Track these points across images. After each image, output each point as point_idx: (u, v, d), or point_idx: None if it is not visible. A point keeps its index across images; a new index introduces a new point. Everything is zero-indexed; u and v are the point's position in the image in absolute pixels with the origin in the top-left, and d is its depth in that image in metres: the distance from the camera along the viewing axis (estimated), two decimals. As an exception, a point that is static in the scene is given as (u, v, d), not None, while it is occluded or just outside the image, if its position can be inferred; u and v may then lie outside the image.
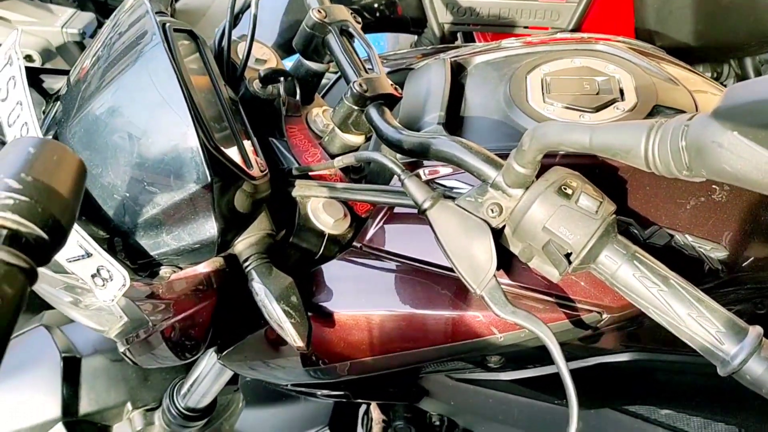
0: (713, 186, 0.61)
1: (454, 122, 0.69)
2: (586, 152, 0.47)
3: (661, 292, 0.49)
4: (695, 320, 0.49)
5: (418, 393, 0.79)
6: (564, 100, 0.66)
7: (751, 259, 0.62)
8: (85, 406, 0.95)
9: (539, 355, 0.69)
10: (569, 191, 0.51)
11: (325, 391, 0.78)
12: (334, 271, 0.65)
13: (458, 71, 0.78)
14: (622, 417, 0.82)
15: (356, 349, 0.64)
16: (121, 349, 0.73)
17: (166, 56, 0.56)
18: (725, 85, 1.44)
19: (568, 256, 0.51)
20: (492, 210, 0.54)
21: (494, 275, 0.53)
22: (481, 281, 0.53)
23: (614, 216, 0.52)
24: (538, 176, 0.53)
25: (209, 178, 0.54)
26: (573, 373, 0.72)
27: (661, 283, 0.49)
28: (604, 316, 0.60)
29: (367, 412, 1.10)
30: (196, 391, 0.91)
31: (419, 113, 0.69)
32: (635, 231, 0.59)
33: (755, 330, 0.48)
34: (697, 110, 0.66)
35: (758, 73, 1.33)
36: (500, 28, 1.22)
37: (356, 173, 0.75)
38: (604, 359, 0.72)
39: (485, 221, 0.54)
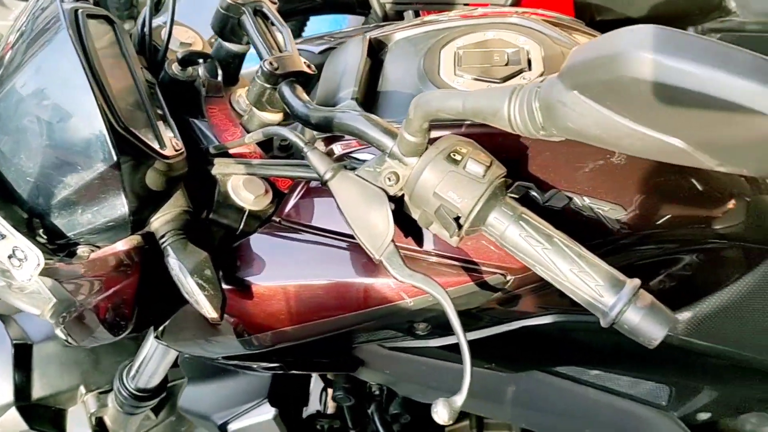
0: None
1: (372, 98, 0.71)
2: (462, 118, 0.49)
3: (545, 250, 0.52)
4: (576, 275, 0.51)
5: (354, 363, 0.82)
6: (473, 72, 0.68)
7: (667, 217, 0.64)
8: (38, 390, 0.97)
9: (466, 320, 0.72)
10: (458, 157, 0.54)
11: (262, 364, 0.80)
12: (254, 245, 0.67)
13: (379, 48, 0.80)
14: (553, 379, 0.85)
15: (276, 319, 0.66)
16: (57, 330, 0.74)
17: (70, 41, 0.57)
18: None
19: (457, 219, 0.53)
20: (389, 179, 0.56)
21: (392, 241, 0.55)
22: (380, 247, 0.55)
23: (503, 179, 0.54)
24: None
25: (115, 158, 0.56)
26: (498, 337, 0.75)
27: (545, 242, 0.52)
28: (509, 277, 0.62)
29: (325, 388, 1.13)
30: (144, 371, 0.93)
31: (335, 90, 0.71)
32: (535, 195, 0.61)
33: (632, 282, 0.50)
34: None
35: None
36: (441, 5, 1.24)
37: (283, 150, 0.77)
38: (527, 322, 0.74)
39: (383, 190, 0.56)
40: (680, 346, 0.79)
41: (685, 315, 0.76)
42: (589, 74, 0.39)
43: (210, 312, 0.60)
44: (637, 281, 0.51)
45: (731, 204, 0.71)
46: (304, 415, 1.09)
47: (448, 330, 0.76)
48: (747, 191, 0.74)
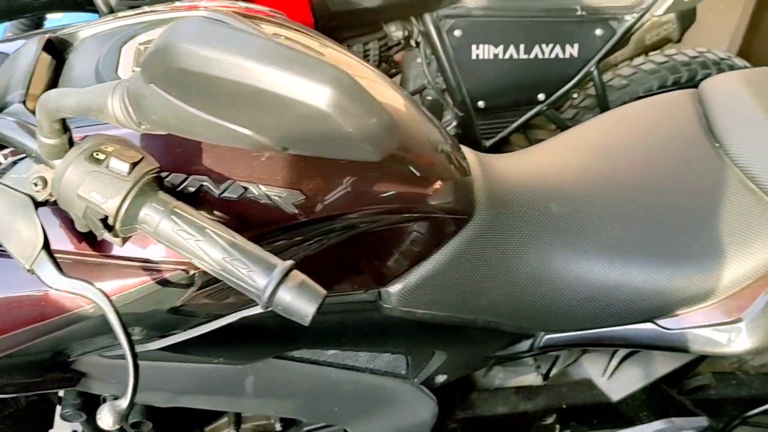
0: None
1: None
2: (78, 115, 0.47)
3: (198, 241, 0.52)
4: (230, 263, 0.52)
5: (74, 378, 0.78)
6: (152, 67, 0.66)
7: (343, 195, 0.67)
8: None
9: (177, 319, 0.71)
10: (101, 156, 0.52)
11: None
12: None
13: (65, 47, 0.76)
14: (292, 364, 0.87)
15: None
16: None
17: None
18: (418, 43, 1.55)
19: (105, 220, 0.52)
20: (36, 184, 0.54)
21: (43, 249, 0.53)
22: (29, 256, 0.53)
23: (153, 175, 0.53)
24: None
25: None
26: (219, 331, 0.75)
27: (198, 234, 0.52)
28: (192, 272, 0.62)
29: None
30: None
31: (4, 93, 0.66)
32: (210, 187, 0.61)
33: (284, 264, 0.52)
34: None
35: (437, 29, 1.44)
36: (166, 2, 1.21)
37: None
38: (246, 312, 0.75)
39: (30, 196, 0.54)
40: (403, 317, 0.84)
41: (396, 287, 0.81)
42: (156, 67, 0.39)
43: None
44: (289, 263, 0.53)
45: (434, 184, 0.77)
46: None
47: (163, 330, 0.74)
48: (451, 174, 0.80)
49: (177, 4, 0.83)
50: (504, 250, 0.85)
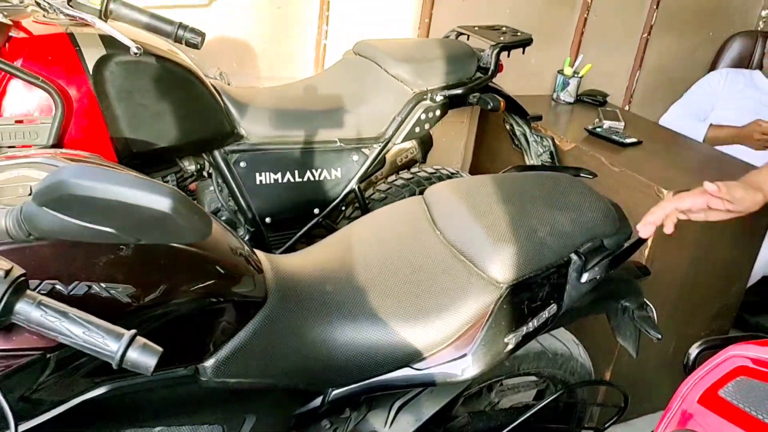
0: (120, 246, 0.87)
1: None
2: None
3: (63, 323, 0.71)
4: (89, 335, 0.72)
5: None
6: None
7: (164, 287, 0.89)
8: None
9: (32, 404, 0.85)
10: None
11: None
12: None
13: None
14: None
15: None
16: None
17: None
18: (210, 174, 1.82)
19: None
20: None
21: None
22: None
23: (23, 279, 0.72)
24: None
25: None
26: (61, 416, 0.89)
27: (62, 317, 0.71)
28: (48, 355, 0.80)
29: None
30: None
31: None
32: (60, 288, 0.81)
33: (129, 332, 0.73)
34: None
35: (226, 162, 1.73)
36: None
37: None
38: (85, 396, 0.91)
39: None
40: (218, 388, 1.05)
41: (210, 362, 1.02)
42: (49, 195, 0.62)
43: None
44: (132, 332, 0.74)
45: (234, 278, 1.02)
46: None
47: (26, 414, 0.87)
48: (248, 270, 1.06)
49: (9, 153, 1.02)
50: (292, 323, 1.11)
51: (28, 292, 0.73)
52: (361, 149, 1.87)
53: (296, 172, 1.80)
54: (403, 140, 1.94)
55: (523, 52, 2.14)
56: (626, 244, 1.37)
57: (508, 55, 2.09)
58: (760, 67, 3.04)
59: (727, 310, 2.31)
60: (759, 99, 2.87)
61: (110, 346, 0.72)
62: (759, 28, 3.28)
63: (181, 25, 1.42)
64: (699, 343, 0.98)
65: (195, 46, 1.41)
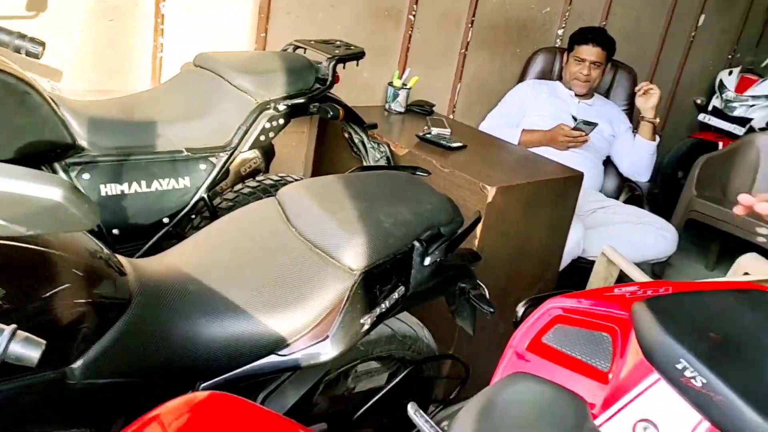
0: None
1: None
2: None
3: None
4: None
5: None
6: None
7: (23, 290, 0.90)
8: None
9: None
10: None
11: None
12: None
13: None
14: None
15: None
16: None
17: None
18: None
19: None
20: None
21: None
22: None
23: None
24: None
25: None
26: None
27: None
28: None
29: None
30: None
31: None
32: None
33: (9, 327, 0.75)
34: None
35: (67, 174, 1.69)
36: None
37: None
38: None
39: None
40: (87, 389, 1.05)
41: (79, 363, 1.03)
42: None
43: None
44: (13, 326, 0.75)
45: (96, 280, 1.03)
46: None
47: None
48: (109, 273, 1.08)
49: None
50: (158, 323, 1.14)
51: None
52: (208, 158, 1.90)
53: (143, 182, 1.79)
54: (249, 149, 2.00)
55: (357, 65, 2.30)
56: (459, 231, 1.55)
57: (344, 68, 2.23)
58: (560, 78, 3.46)
59: (545, 290, 2.62)
60: (560, 106, 3.27)
61: None
62: (557, 45, 3.72)
63: (19, 35, 1.39)
64: (525, 301, 1.16)
65: (36, 56, 1.38)
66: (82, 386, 1.04)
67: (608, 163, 3.40)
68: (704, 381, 0.90)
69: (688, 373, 0.91)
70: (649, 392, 0.96)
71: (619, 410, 0.97)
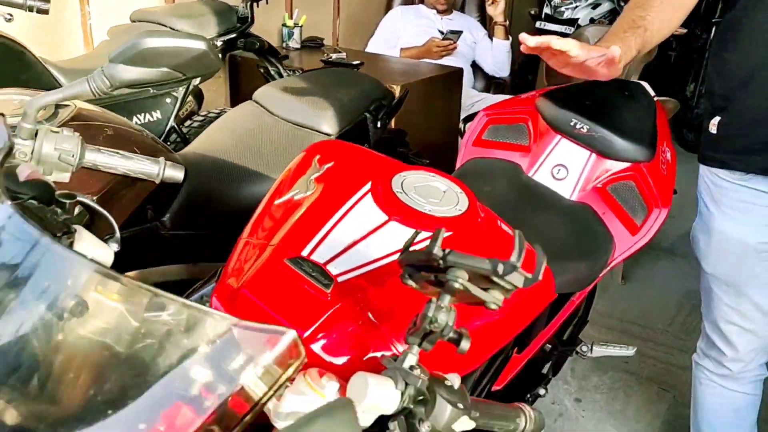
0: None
1: None
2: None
3: (117, 158, 1.11)
4: (136, 164, 1.13)
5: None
6: None
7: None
8: None
9: None
10: None
11: None
12: None
13: None
14: None
15: None
16: None
17: None
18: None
19: None
20: None
21: None
22: None
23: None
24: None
25: None
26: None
27: (116, 154, 1.11)
28: None
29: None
30: None
31: None
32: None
33: (161, 159, 1.15)
34: None
35: (63, 120, 1.99)
36: None
37: None
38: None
39: None
40: (173, 238, 1.46)
41: (167, 217, 1.44)
42: (125, 53, 1.02)
43: None
44: (162, 158, 1.16)
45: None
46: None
47: None
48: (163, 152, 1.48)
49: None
50: (210, 185, 1.56)
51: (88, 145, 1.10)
52: (171, 93, 2.26)
53: (124, 118, 2.12)
54: (200, 82, 2.37)
55: (267, 2, 2.69)
56: (393, 102, 2.05)
57: (257, 6, 2.62)
58: (422, 1, 4.01)
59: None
60: (427, 24, 3.81)
61: (153, 169, 1.13)
62: (411, -24, 4.26)
63: (31, -6, 1.68)
64: (463, 117, 1.67)
65: (45, 12, 1.69)
66: (170, 236, 1.45)
67: (474, 66, 4.00)
68: (588, 127, 1.46)
69: (577, 126, 1.48)
70: (556, 148, 1.52)
71: (540, 165, 1.53)
